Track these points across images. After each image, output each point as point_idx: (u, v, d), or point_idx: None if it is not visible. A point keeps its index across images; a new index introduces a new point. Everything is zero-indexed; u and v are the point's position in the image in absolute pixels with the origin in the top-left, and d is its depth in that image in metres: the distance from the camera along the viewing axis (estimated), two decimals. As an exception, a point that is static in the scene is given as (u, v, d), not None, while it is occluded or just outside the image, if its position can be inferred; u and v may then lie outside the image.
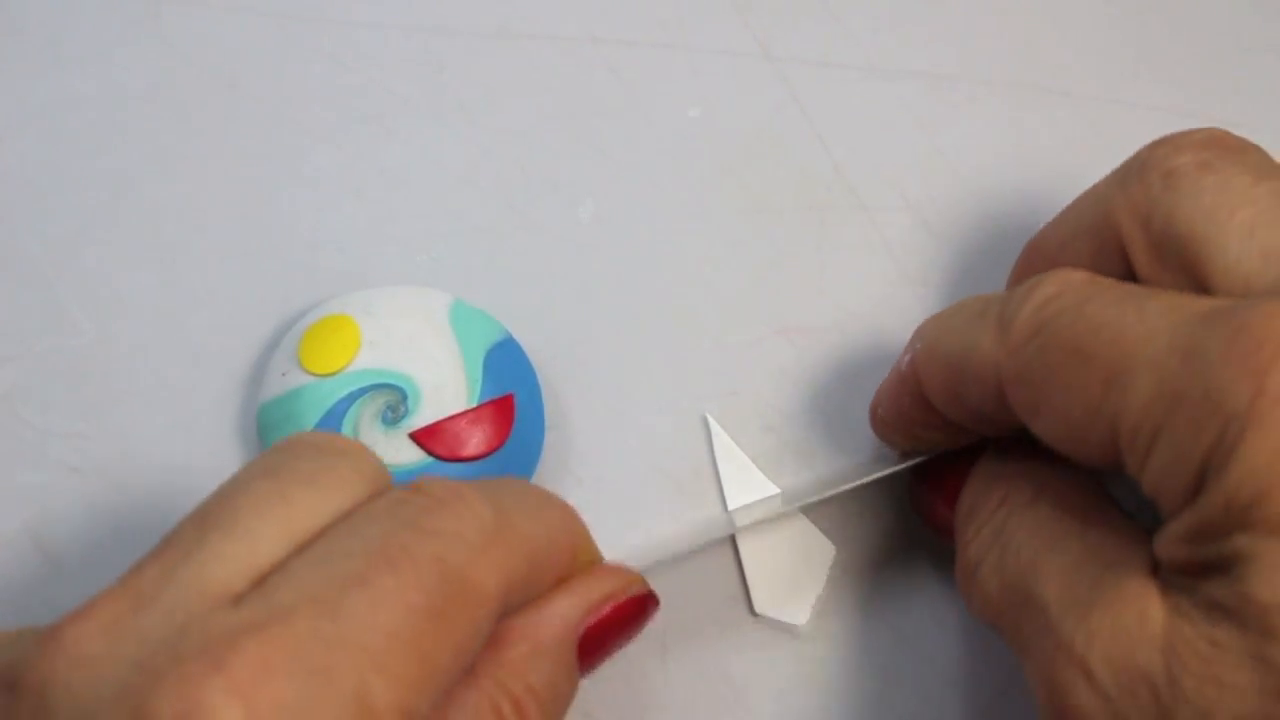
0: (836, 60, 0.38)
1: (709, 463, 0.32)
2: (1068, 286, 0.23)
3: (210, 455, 0.31)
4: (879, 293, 0.34)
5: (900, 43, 0.38)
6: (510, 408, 0.29)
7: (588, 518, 0.25)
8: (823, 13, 0.38)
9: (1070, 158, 0.36)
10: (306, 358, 0.29)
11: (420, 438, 0.29)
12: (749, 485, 0.31)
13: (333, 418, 0.29)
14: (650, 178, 0.35)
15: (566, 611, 0.23)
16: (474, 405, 0.29)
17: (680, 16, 0.38)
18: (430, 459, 0.28)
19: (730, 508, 0.31)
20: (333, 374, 0.29)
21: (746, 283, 0.34)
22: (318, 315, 0.31)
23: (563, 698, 0.23)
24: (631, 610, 0.25)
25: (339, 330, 0.30)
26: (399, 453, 0.28)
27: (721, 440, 0.32)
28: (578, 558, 0.24)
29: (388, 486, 0.22)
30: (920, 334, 0.27)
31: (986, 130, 0.37)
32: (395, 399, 0.29)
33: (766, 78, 0.37)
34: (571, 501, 0.31)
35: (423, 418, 0.29)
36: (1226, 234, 0.23)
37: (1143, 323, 0.21)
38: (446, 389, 0.29)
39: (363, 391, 0.29)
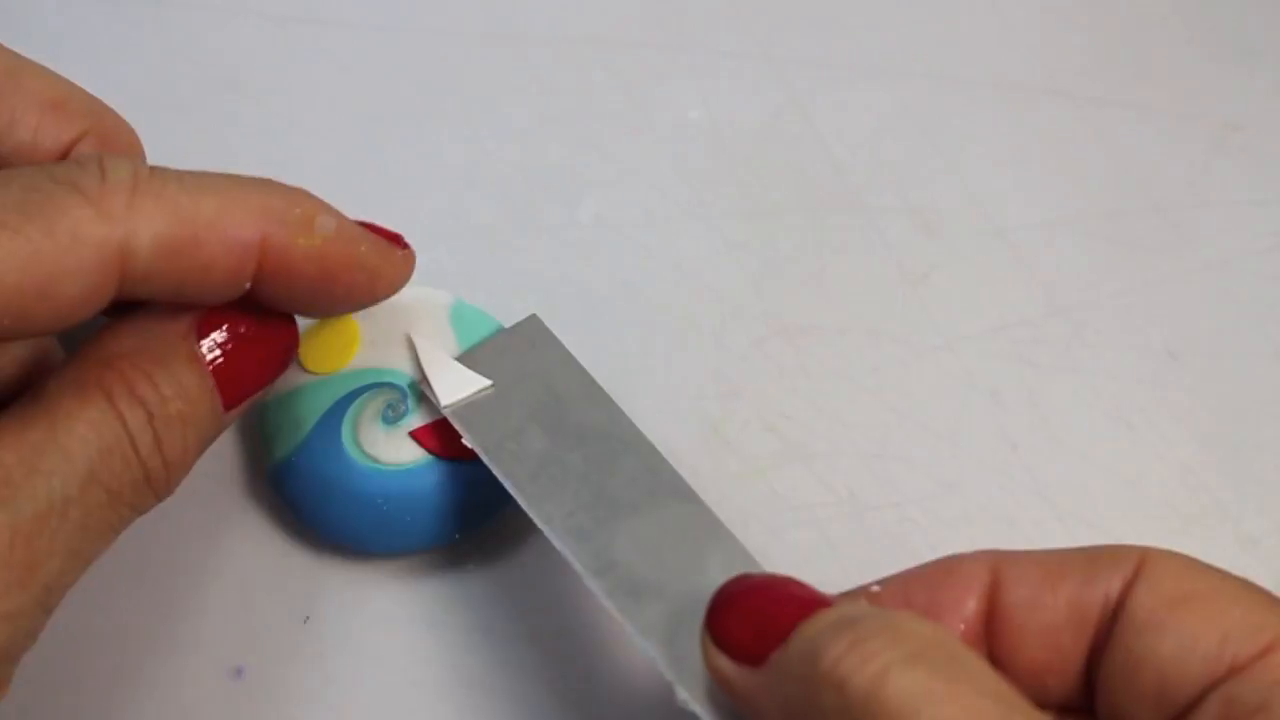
0: (837, 61, 0.38)
1: (708, 463, 0.32)
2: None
3: (210, 456, 0.31)
4: (879, 293, 0.34)
5: (900, 43, 0.38)
6: (510, 406, 0.29)
7: (588, 517, 0.25)
8: (823, 14, 0.38)
9: (1070, 158, 0.36)
10: (307, 356, 0.29)
11: (420, 436, 0.29)
12: (460, 383, 0.29)
13: (333, 416, 0.29)
14: (650, 178, 0.35)
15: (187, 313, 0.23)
16: (474, 404, 0.29)
17: (680, 17, 0.38)
18: (430, 457, 0.28)
19: (443, 405, 0.29)
20: (333, 373, 0.29)
21: (746, 283, 0.34)
22: (318, 314, 0.31)
23: (194, 406, 0.23)
24: (261, 352, 0.24)
25: (339, 329, 0.30)
26: (399, 451, 0.28)
27: (426, 351, 0.30)
28: (281, 242, 0.23)
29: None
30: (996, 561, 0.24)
31: (986, 130, 0.37)
32: (395, 397, 0.29)
33: (767, 79, 0.37)
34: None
35: (423, 416, 0.29)
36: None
37: None
38: (446, 388, 0.29)
39: (363, 390, 0.29)
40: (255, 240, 0.22)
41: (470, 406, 0.29)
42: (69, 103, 0.25)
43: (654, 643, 0.25)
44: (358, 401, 0.29)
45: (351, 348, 0.29)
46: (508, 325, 0.31)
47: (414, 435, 0.29)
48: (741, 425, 0.32)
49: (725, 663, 0.22)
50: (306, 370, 0.29)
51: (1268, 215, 0.36)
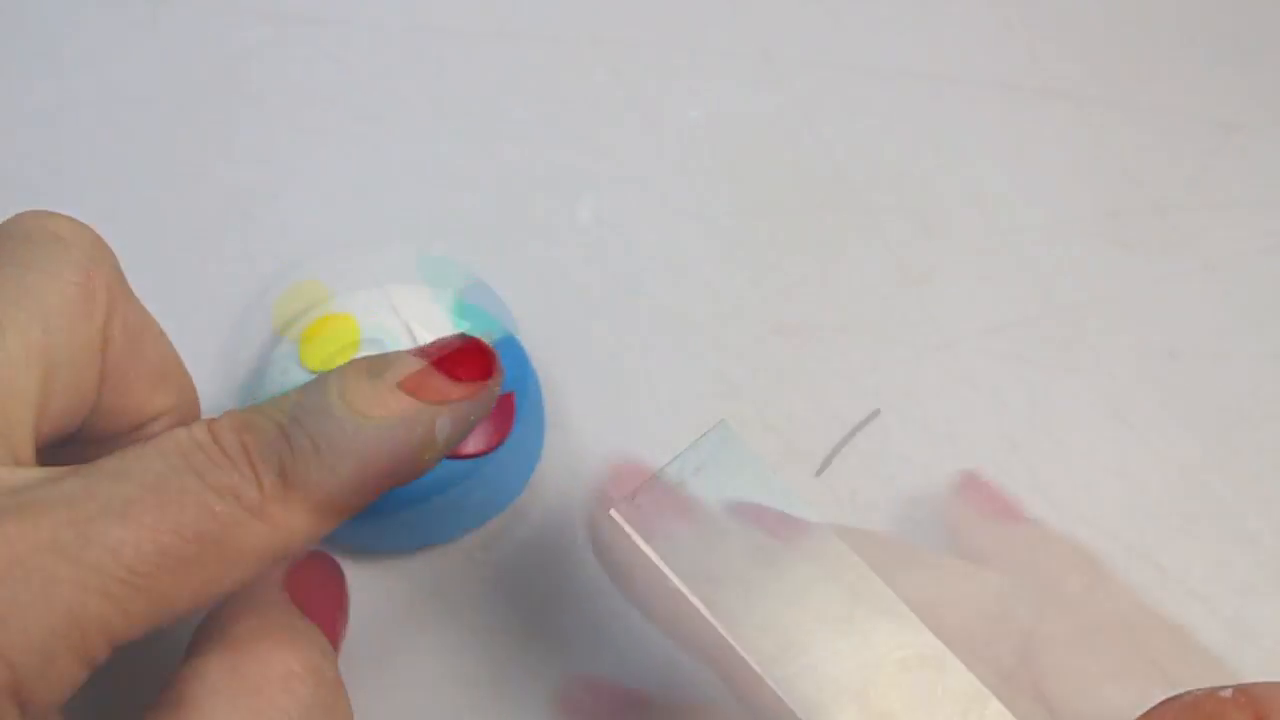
0: (836, 61, 0.38)
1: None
2: None
3: (210, 455, 0.31)
4: (879, 293, 0.34)
5: (900, 43, 0.38)
6: (510, 406, 0.29)
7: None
8: (823, 14, 0.38)
9: (1070, 158, 0.36)
10: (307, 356, 0.29)
11: (420, 435, 0.28)
12: None
13: (333, 416, 0.29)
14: (651, 178, 0.35)
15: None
16: (474, 404, 0.29)
17: (680, 17, 0.38)
18: (430, 457, 0.28)
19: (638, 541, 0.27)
20: (333, 372, 0.29)
21: (746, 283, 0.34)
22: (318, 314, 0.31)
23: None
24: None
25: (339, 329, 0.30)
26: (399, 451, 0.28)
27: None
28: (415, 469, 0.23)
29: (113, 268, 0.23)
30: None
31: (986, 130, 0.37)
32: (395, 397, 0.29)
33: (766, 79, 0.37)
34: (573, 501, 0.31)
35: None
36: None
37: None
38: (447, 388, 0.29)
39: (363, 390, 0.29)
40: (390, 476, 0.23)
41: (676, 547, 0.26)
42: (171, 378, 0.26)
43: None
44: (358, 401, 0.29)
45: (351, 347, 0.29)
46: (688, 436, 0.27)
47: (414, 435, 0.28)
48: (741, 425, 0.32)
49: None
50: (307, 369, 0.29)
51: (1268, 215, 0.36)
